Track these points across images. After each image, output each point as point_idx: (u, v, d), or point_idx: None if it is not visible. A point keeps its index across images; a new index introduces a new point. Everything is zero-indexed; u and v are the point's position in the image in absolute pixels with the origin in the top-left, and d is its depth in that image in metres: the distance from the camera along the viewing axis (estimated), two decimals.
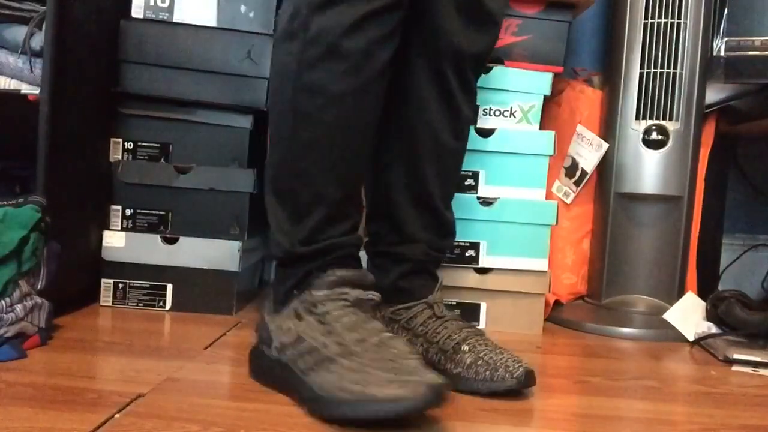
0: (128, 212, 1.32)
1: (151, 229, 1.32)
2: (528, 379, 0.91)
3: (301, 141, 0.87)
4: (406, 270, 1.04)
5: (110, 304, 1.31)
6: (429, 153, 1.02)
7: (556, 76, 1.39)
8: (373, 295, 0.87)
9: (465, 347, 0.95)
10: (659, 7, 1.41)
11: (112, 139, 1.33)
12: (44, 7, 1.13)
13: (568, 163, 1.54)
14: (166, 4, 1.30)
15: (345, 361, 0.77)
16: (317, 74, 0.84)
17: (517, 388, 0.91)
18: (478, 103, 1.32)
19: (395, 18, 0.86)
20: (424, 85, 1.00)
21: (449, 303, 1.31)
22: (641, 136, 1.44)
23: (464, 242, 1.33)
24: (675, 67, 1.41)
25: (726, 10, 1.43)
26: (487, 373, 0.92)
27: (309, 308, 0.85)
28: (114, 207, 1.32)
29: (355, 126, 0.88)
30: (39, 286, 1.04)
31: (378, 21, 0.84)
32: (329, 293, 0.85)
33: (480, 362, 0.93)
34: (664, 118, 1.43)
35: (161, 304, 1.32)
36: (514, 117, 1.35)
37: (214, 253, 1.31)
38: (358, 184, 0.94)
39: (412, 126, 1.02)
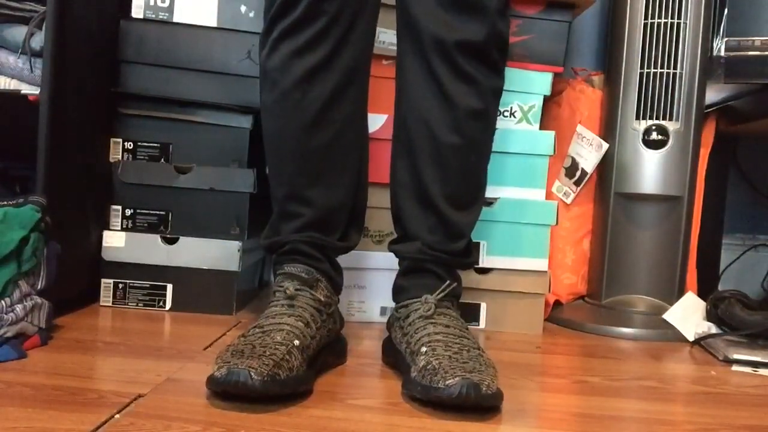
0: (128, 212, 1.32)
1: (151, 229, 1.32)
2: (467, 393, 0.79)
3: (264, 148, 1.05)
4: (404, 268, 1.05)
5: (110, 304, 1.31)
6: (426, 149, 0.99)
7: (556, 76, 1.39)
8: (303, 293, 0.96)
9: (424, 349, 0.90)
10: (659, 7, 1.41)
11: (112, 139, 1.33)
12: (44, 7, 1.13)
13: (568, 163, 1.54)
14: (166, 4, 1.30)
15: (236, 341, 0.88)
16: (262, 94, 1.02)
17: (448, 400, 0.80)
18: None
19: (310, 31, 0.95)
20: (413, 77, 1.00)
21: None
22: (641, 136, 1.44)
23: None
24: (675, 67, 1.41)
25: (726, 10, 1.43)
26: (428, 378, 0.84)
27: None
28: (114, 207, 1.32)
29: (283, 132, 1.00)
30: (39, 286, 1.04)
31: (288, 39, 0.96)
32: (277, 287, 0.97)
33: (429, 366, 0.86)
34: (664, 118, 1.43)
35: (161, 304, 1.32)
36: (514, 117, 1.35)
37: (214, 253, 1.31)
38: (301, 185, 1.01)
39: (407, 121, 1.01)
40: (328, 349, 0.99)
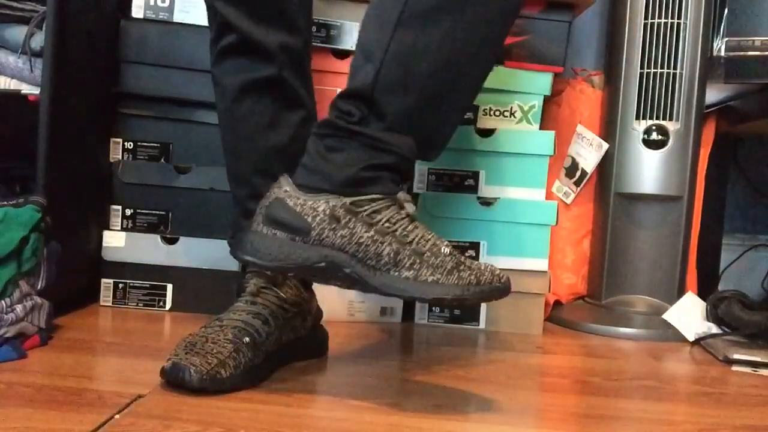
0: (128, 212, 1.32)
1: (151, 229, 1.32)
2: (508, 287, 0.84)
3: (222, 150, 1.07)
4: (383, 162, 0.85)
5: (110, 304, 1.31)
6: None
7: (556, 76, 1.39)
8: (267, 290, 0.97)
9: (445, 249, 0.83)
10: (659, 7, 1.41)
11: (112, 139, 1.33)
12: (44, 7, 1.13)
13: (568, 163, 1.54)
14: (166, 4, 1.30)
15: (196, 331, 0.92)
16: (216, 100, 1.06)
17: (505, 294, 0.84)
18: (477, 103, 1.32)
19: (251, 55, 0.97)
20: None
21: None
22: (641, 136, 1.44)
23: (464, 242, 1.33)
24: (675, 67, 1.41)
25: (726, 10, 1.43)
26: (472, 277, 0.81)
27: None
28: (114, 207, 1.32)
29: (239, 134, 1.02)
30: (39, 286, 1.04)
31: (233, 56, 0.98)
32: (246, 283, 0.98)
33: (462, 267, 0.82)
34: (664, 118, 1.43)
35: (161, 304, 1.32)
36: (514, 117, 1.35)
37: (214, 253, 1.31)
38: (260, 185, 0.97)
39: None
40: (298, 347, 1.01)
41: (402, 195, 0.86)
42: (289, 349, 0.99)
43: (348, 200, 0.84)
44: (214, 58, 1.01)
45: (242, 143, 1.02)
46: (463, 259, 0.83)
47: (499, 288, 0.83)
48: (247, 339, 0.90)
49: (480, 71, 0.90)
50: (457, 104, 0.90)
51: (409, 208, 0.86)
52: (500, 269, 0.84)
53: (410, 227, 0.84)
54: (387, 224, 0.83)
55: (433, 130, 0.89)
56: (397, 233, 0.83)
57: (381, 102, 0.84)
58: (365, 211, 0.84)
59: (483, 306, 1.35)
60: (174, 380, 0.84)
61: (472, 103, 0.97)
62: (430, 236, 0.84)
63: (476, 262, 0.84)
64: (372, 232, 0.83)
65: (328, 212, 0.84)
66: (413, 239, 0.83)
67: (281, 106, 1.01)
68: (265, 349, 0.92)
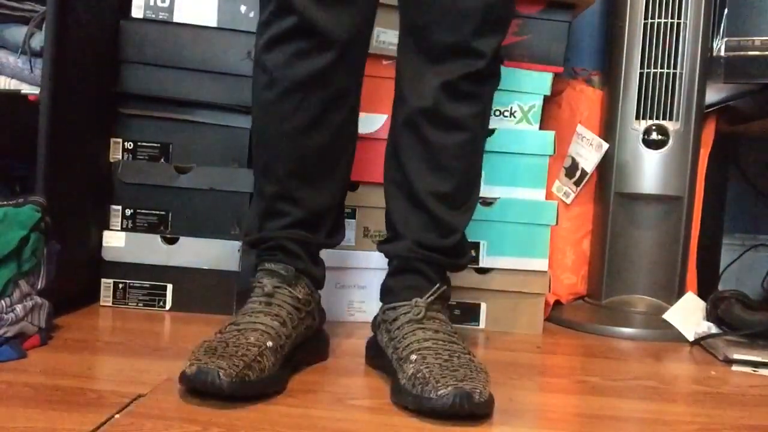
0: (128, 212, 1.32)
1: (151, 229, 1.32)
2: (460, 403, 0.78)
3: (252, 141, 1.04)
4: (393, 268, 1.03)
5: (110, 304, 1.31)
6: (411, 146, 0.99)
7: (556, 76, 1.39)
8: (281, 290, 0.97)
9: (413, 357, 0.87)
10: (659, 7, 1.41)
11: (112, 139, 1.33)
12: (44, 7, 1.13)
13: (568, 163, 1.54)
14: (166, 4, 1.30)
15: (212, 336, 0.90)
16: (258, 88, 0.99)
17: (441, 410, 0.78)
18: None
19: (312, 38, 0.92)
20: (406, 81, 0.99)
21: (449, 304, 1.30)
22: (641, 136, 1.44)
23: None
24: (675, 67, 1.41)
25: (726, 10, 1.43)
26: (419, 387, 0.82)
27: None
28: (114, 207, 1.32)
29: (279, 132, 0.98)
30: (39, 286, 1.04)
31: (291, 40, 0.93)
32: (257, 283, 0.98)
33: (419, 374, 0.84)
34: (664, 118, 1.43)
35: (161, 304, 1.32)
36: (514, 117, 1.35)
37: (214, 253, 1.31)
38: (292, 186, 0.99)
39: (395, 117, 1.02)
40: (307, 347, 1.00)
41: (419, 302, 0.95)
42: (299, 350, 0.98)
43: (381, 310, 1.01)
44: (265, 43, 0.94)
45: (282, 141, 0.98)
46: (422, 367, 0.84)
47: (441, 408, 0.79)
48: (270, 343, 0.88)
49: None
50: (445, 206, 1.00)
51: (413, 312, 0.94)
52: (468, 382, 0.80)
53: (406, 333, 0.93)
54: (396, 331, 0.94)
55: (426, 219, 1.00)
56: (395, 339, 0.94)
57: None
58: (387, 318, 0.98)
59: (483, 306, 1.35)
60: (201, 385, 0.79)
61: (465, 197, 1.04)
62: (411, 342, 0.91)
63: (439, 375, 0.82)
64: (386, 338, 0.96)
65: (376, 321, 1.02)
66: (400, 346, 0.91)
67: (328, 104, 0.97)
68: (282, 353, 0.91)
